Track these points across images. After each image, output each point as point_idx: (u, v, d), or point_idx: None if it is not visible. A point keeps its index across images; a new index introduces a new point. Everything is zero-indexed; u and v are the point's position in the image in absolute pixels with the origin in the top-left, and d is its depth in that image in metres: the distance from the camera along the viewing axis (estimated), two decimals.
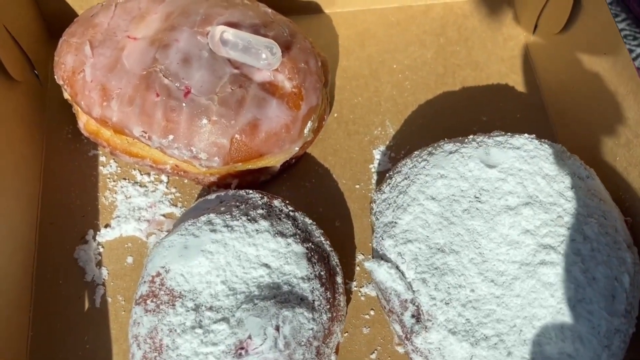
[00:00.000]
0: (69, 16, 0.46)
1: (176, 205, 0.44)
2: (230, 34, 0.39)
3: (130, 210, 0.43)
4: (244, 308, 0.33)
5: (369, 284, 0.42)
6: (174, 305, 0.34)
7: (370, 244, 0.42)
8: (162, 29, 0.41)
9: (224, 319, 0.33)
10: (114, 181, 0.44)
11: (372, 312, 0.41)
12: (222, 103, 0.39)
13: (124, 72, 0.40)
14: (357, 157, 0.46)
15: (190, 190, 0.44)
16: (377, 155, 0.46)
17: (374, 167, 0.46)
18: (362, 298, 0.41)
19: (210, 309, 0.34)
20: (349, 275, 0.42)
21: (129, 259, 0.42)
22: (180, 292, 0.34)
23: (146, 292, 0.35)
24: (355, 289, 0.41)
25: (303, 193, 0.45)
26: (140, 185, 0.44)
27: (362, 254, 0.43)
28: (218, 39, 0.39)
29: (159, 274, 0.35)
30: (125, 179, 0.45)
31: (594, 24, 0.42)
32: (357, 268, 0.42)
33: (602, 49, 0.41)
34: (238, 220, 0.36)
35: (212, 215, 0.36)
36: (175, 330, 0.33)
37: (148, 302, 0.34)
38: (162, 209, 0.43)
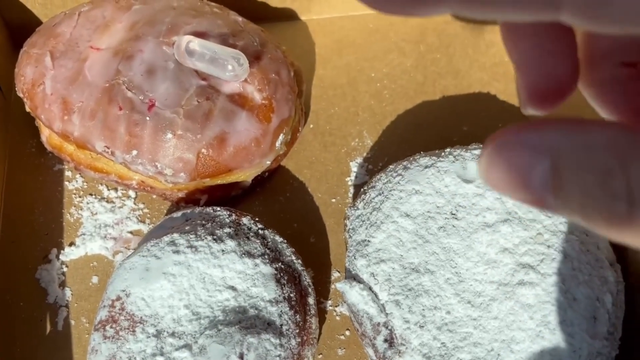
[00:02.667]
0: (34, 26, 0.44)
1: (144, 222, 0.42)
2: (196, 44, 0.37)
3: (96, 227, 0.41)
4: (207, 334, 0.32)
5: (344, 303, 0.40)
6: (134, 331, 0.32)
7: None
8: (126, 39, 0.39)
9: (186, 346, 0.32)
10: (79, 197, 0.43)
11: (347, 333, 0.39)
12: (187, 116, 0.37)
13: (86, 84, 0.38)
14: (333, 169, 0.44)
15: (159, 206, 0.43)
16: (354, 167, 0.44)
17: (350, 180, 0.44)
18: (338, 318, 0.39)
19: (173, 335, 0.32)
20: (323, 294, 0.40)
21: (94, 279, 0.40)
22: (141, 317, 0.33)
23: (105, 317, 0.33)
24: (331, 308, 0.40)
25: (277, 208, 0.43)
26: (107, 201, 0.42)
27: (338, 271, 0.41)
28: (184, 49, 0.37)
29: (119, 298, 0.33)
30: (91, 194, 0.43)
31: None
32: (333, 286, 0.40)
33: None
34: (203, 240, 0.34)
35: (175, 235, 0.34)
36: (135, 358, 0.32)
37: (107, 327, 0.33)
38: (129, 226, 0.42)
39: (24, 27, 0.45)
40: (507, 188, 0.14)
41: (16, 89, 0.41)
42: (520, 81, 0.18)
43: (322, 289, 0.40)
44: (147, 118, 0.37)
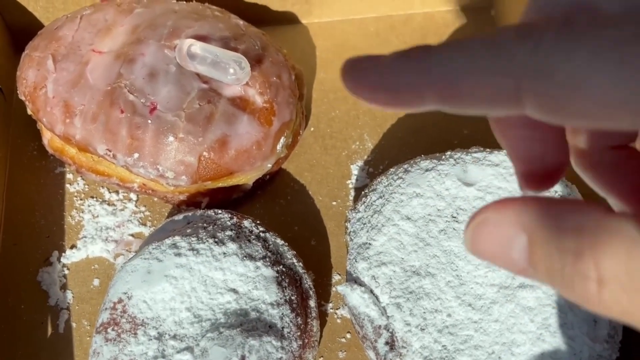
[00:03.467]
0: (35, 29, 0.44)
1: (145, 225, 0.42)
2: (198, 47, 0.37)
3: (98, 230, 0.42)
4: (209, 337, 0.32)
5: (345, 306, 0.40)
6: (135, 333, 0.32)
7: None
8: (128, 43, 0.39)
9: (188, 349, 0.32)
10: (81, 199, 0.43)
11: (348, 335, 0.39)
12: (189, 119, 0.37)
13: (88, 87, 0.38)
14: (334, 172, 0.44)
15: (160, 209, 0.43)
16: (354, 170, 0.44)
17: (351, 183, 0.44)
18: (339, 320, 0.40)
19: (174, 337, 0.32)
20: (324, 297, 0.40)
21: (96, 282, 0.40)
22: (143, 320, 0.33)
23: (107, 319, 0.33)
24: (332, 311, 0.40)
25: (278, 211, 0.43)
26: (108, 204, 0.43)
27: (339, 274, 0.41)
28: (185, 52, 0.37)
29: (120, 301, 0.33)
30: (92, 197, 0.43)
31: None
32: (334, 289, 0.41)
33: None
34: (204, 242, 0.34)
35: (177, 238, 0.34)
36: None
37: (109, 330, 0.33)
38: (130, 229, 0.42)
39: (26, 30, 0.45)
40: (492, 260, 0.15)
41: (18, 92, 0.41)
42: (514, 166, 0.19)
43: (323, 291, 0.40)
44: (149, 121, 0.37)
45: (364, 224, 0.37)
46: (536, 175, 0.19)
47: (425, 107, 0.15)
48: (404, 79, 0.15)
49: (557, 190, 0.36)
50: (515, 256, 0.15)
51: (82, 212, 0.42)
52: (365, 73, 0.15)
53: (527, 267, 0.15)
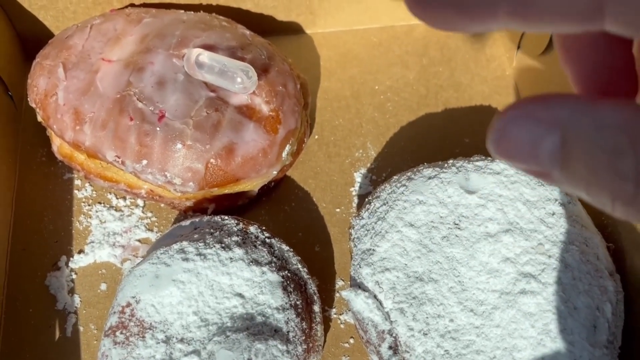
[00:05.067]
0: (46, 37, 0.45)
1: (152, 230, 0.43)
2: (205, 56, 0.38)
3: (105, 235, 0.42)
4: (216, 340, 0.32)
5: (349, 311, 0.41)
6: (143, 337, 0.33)
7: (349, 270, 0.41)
8: (137, 52, 0.40)
9: (195, 352, 0.32)
10: (88, 205, 0.44)
11: (351, 341, 0.40)
12: (197, 127, 0.38)
13: (98, 95, 0.39)
14: (337, 180, 0.45)
15: (167, 215, 0.43)
16: (358, 178, 0.45)
17: (354, 190, 0.45)
18: (342, 326, 0.40)
19: (182, 341, 0.33)
20: (328, 302, 0.41)
21: (103, 286, 0.41)
22: (151, 324, 0.33)
23: (115, 323, 0.34)
24: (335, 316, 0.40)
25: (282, 217, 0.44)
26: (116, 210, 0.43)
27: (342, 280, 0.42)
28: (193, 61, 0.38)
29: (129, 304, 0.34)
30: (100, 202, 0.44)
31: None
32: (337, 295, 0.41)
33: None
34: (211, 248, 0.35)
35: (184, 243, 0.35)
36: None
37: (117, 333, 0.33)
38: (137, 234, 0.42)
39: (36, 38, 0.46)
40: (515, 158, 0.14)
41: (28, 99, 0.42)
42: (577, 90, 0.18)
43: (327, 297, 0.41)
44: (157, 128, 0.38)
45: (368, 230, 0.37)
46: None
47: (496, 25, 0.14)
48: None
49: (556, 199, 0.37)
50: (542, 155, 0.14)
51: (90, 217, 0.43)
52: None
53: (554, 169, 0.14)
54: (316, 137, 0.47)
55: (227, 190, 0.40)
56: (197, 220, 0.38)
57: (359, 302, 0.35)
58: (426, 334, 0.33)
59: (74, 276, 0.41)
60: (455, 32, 0.15)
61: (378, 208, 0.38)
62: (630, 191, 0.13)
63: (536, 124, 0.14)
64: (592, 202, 0.14)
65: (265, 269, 0.35)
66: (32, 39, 0.47)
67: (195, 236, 0.36)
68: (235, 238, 0.36)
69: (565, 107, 0.14)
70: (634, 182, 0.13)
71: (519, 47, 0.49)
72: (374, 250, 0.36)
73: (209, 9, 0.47)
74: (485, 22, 0.14)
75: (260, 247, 0.36)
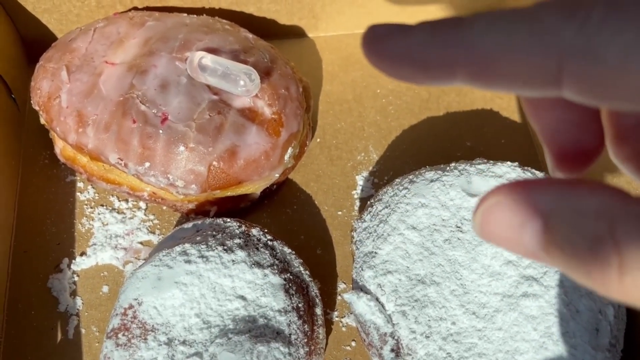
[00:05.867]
0: (49, 41, 0.45)
1: (154, 233, 0.43)
2: (208, 59, 0.38)
3: (107, 237, 0.42)
4: (218, 343, 0.32)
5: (351, 314, 0.41)
6: (146, 339, 0.33)
7: (351, 273, 0.41)
8: (140, 55, 0.40)
9: (197, 354, 0.32)
10: (91, 208, 0.44)
11: (353, 343, 0.40)
12: (199, 130, 0.38)
13: (101, 98, 0.39)
14: (339, 183, 0.45)
15: (169, 217, 0.43)
16: (360, 181, 0.45)
17: (356, 193, 0.45)
18: (344, 329, 0.40)
19: (184, 343, 0.33)
20: (330, 305, 0.41)
21: (105, 288, 0.41)
22: (153, 326, 0.33)
23: (118, 325, 0.34)
24: (337, 319, 0.40)
25: (284, 220, 0.44)
26: (118, 212, 0.43)
27: (344, 283, 0.42)
28: (196, 64, 0.38)
29: (131, 306, 0.34)
30: (102, 205, 0.44)
31: None
32: (339, 297, 0.41)
33: None
34: (214, 250, 0.35)
35: (187, 245, 0.35)
36: None
37: (119, 335, 0.33)
38: (139, 237, 0.42)
39: (40, 41, 0.46)
40: (501, 243, 0.15)
41: (32, 102, 0.42)
42: (545, 149, 0.18)
43: (329, 300, 0.41)
44: (160, 131, 0.38)
45: (370, 233, 0.37)
46: (569, 157, 0.18)
47: (454, 83, 0.14)
48: (435, 52, 0.14)
49: None
50: (527, 240, 0.14)
51: (92, 220, 0.43)
52: (390, 43, 0.14)
53: (539, 252, 0.14)
54: (318, 140, 0.47)
55: (229, 192, 0.40)
56: (199, 222, 0.38)
57: (361, 304, 0.35)
58: (428, 337, 0.33)
59: (76, 278, 0.41)
60: (415, 84, 0.15)
61: (380, 211, 0.38)
62: (614, 276, 0.13)
63: (519, 211, 0.14)
64: (582, 284, 0.14)
65: (267, 271, 0.35)
66: (36, 42, 0.47)
67: (198, 238, 0.36)
68: (237, 240, 0.36)
69: (546, 194, 0.14)
70: (617, 268, 0.13)
71: None
72: (376, 253, 0.36)
73: (211, 12, 0.47)
74: (444, 81, 0.14)
75: (262, 249, 0.36)
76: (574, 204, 0.13)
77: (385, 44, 0.14)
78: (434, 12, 0.51)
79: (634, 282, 0.13)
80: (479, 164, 0.38)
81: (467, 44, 0.13)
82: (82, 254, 0.42)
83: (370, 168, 0.46)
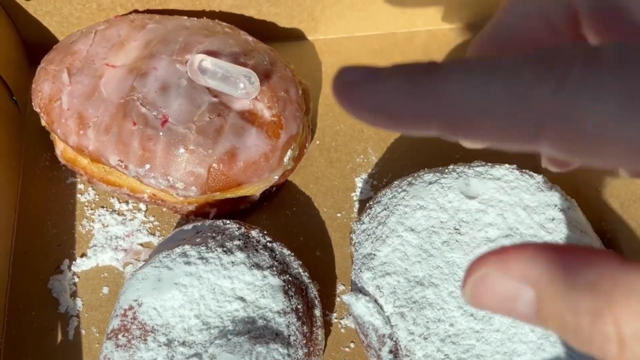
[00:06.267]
0: (50, 43, 0.45)
1: (154, 234, 0.43)
2: (208, 62, 0.39)
3: (107, 239, 0.42)
4: (217, 344, 0.33)
5: (350, 315, 0.41)
6: (145, 340, 0.33)
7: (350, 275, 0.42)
8: (141, 57, 0.41)
9: (197, 355, 0.33)
10: (91, 209, 0.44)
11: (352, 345, 0.40)
12: (199, 132, 0.38)
13: (102, 100, 0.39)
14: (339, 185, 0.45)
15: (169, 219, 0.44)
16: (359, 183, 0.46)
17: (355, 195, 0.45)
18: (343, 330, 0.40)
19: (183, 344, 0.33)
20: (329, 307, 0.41)
21: (105, 290, 0.41)
22: (153, 327, 0.33)
23: (118, 326, 0.34)
24: (336, 320, 0.41)
25: (283, 222, 0.44)
26: (118, 214, 0.44)
27: (343, 285, 0.42)
28: (196, 67, 0.39)
29: (131, 308, 0.34)
30: (103, 207, 0.44)
31: None
32: (338, 299, 0.41)
33: None
34: (213, 252, 0.35)
35: (186, 247, 0.35)
36: None
37: (119, 336, 0.34)
38: (139, 238, 0.43)
39: (41, 44, 0.47)
40: (496, 312, 0.15)
41: (33, 104, 0.42)
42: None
43: (328, 301, 0.41)
44: (160, 133, 0.38)
45: (369, 235, 0.38)
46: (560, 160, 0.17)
47: (428, 134, 0.14)
48: (409, 105, 0.13)
49: (556, 204, 0.37)
50: (521, 309, 0.14)
51: (93, 221, 0.43)
52: (362, 92, 0.14)
53: (535, 320, 0.14)
54: (317, 142, 0.47)
55: (229, 194, 0.41)
56: (199, 224, 0.38)
57: (360, 306, 0.35)
58: (426, 338, 0.33)
59: (77, 279, 0.41)
60: (387, 130, 0.14)
61: (379, 213, 0.38)
62: (612, 351, 0.13)
63: (510, 282, 0.14)
64: (586, 353, 0.14)
65: (266, 272, 0.35)
66: (37, 44, 0.47)
67: (197, 240, 0.36)
68: (237, 242, 0.36)
69: (538, 262, 0.13)
70: (617, 343, 0.12)
71: None
72: (374, 254, 0.36)
73: (212, 15, 0.48)
74: (419, 132, 0.14)
75: (261, 251, 0.36)
76: (567, 276, 0.13)
77: (357, 92, 0.13)
78: (432, 15, 0.52)
79: (636, 356, 0.12)
80: (477, 166, 0.39)
81: (441, 99, 0.13)
82: (83, 255, 0.42)
83: (370, 170, 0.46)
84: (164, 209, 0.43)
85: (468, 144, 0.14)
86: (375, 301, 0.35)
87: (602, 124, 0.12)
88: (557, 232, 0.36)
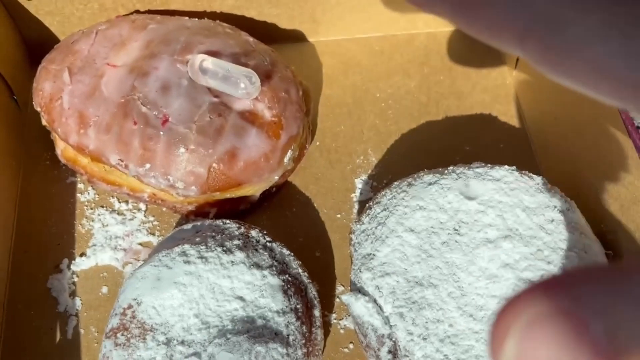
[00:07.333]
0: (52, 43, 0.45)
1: (154, 234, 0.43)
2: (209, 62, 0.39)
3: (107, 238, 0.42)
4: (216, 343, 0.33)
5: (349, 316, 0.41)
6: (144, 339, 0.33)
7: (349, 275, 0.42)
8: (142, 57, 0.41)
9: (196, 354, 0.32)
10: (91, 209, 0.44)
11: (351, 346, 0.40)
12: (200, 132, 0.38)
13: (102, 99, 0.39)
14: (338, 186, 0.46)
15: (169, 219, 0.44)
16: (359, 184, 0.46)
17: (355, 196, 0.45)
18: (342, 331, 0.40)
19: (182, 343, 0.33)
20: (328, 307, 0.41)
21: (104, 289, 0.41)
22: (152, 326, 0.33)
23: (117, 325, 0.34)
24: (335, 321, 0.41)
25: (283, 222, 0.44)
26: (118, 213, 0.44)
27: (342, 285, 0.42)
28: (197, 67, 0.39)
29: (130, 306, 0.34)
30: (103, 206, 0.44)
31: None
32: (337, 300, 0.41)
33: None
34: (213, 251, 0.35)
35: (186, 246, 0.35)
36: None
37: (118, 335, 0.34)
38: (139, 238, 0.43)
39: (42, 43, 0.47)
40: None
41: (34, 103, 0.42)
42: None
43: (327, 302, 0.41)
44: (161, 133, 0.38)
45: (369, 235, 0.38)
46: None
47: (435, 13, 0.16)
48: None
49: (556, 206, 0.37)
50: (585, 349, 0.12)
51: (92, 221, 0.43)
52: None
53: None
54: (317, 143, 0.47)
55: (229, 194, 0.41)
56: (198, 224, 0.39)
57: (359, 306, 0.35)
58: (425, 339, 0.33)
59: (76, 279, 0.41)
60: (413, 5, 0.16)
61: (378, 213, 0.38)
62: None
63: (570, 321, 0.12)
64: None
65: (266, 272, 0.35)
66: (38, 44, 0.48)
67: (197, 239, 0.36)
68: (236, 242, 0.36)
69: (594, 292, 0.12)
70: None
71: (519, 57, 0.50)
72: (374, 255, 0.36)
73: (213, 16, 0.48)
74: (427, 8, 0.16)
75: (261, 251, 0.36)
76: (633, 300, 0.12)
77: None
78: (432, 17, 0.52)
79: None
80: (477, 167, 0.39)
81: None
82: (82, 254, 0.42)
83: (369, 171, 0.46)
84: (164, 209, 0.43)
85: (465, 30, 0.16)
86: (375, 301, 0.35)
87: (582, 35, 0.13)
88: (556, 234, 0.36)
